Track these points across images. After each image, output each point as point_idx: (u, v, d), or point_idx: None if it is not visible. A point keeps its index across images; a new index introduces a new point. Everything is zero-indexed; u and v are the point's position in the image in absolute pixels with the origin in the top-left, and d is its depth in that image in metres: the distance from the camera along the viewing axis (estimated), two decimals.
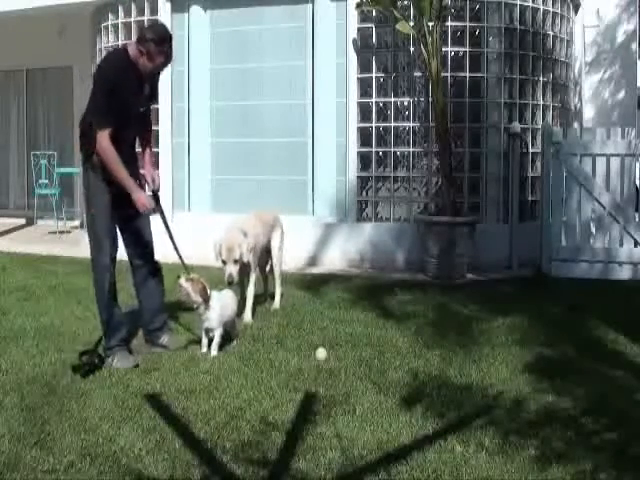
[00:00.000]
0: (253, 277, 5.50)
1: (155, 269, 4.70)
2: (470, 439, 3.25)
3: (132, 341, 4.72)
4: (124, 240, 4.56)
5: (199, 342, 4.65)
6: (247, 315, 5.38)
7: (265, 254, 5.83)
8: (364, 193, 8.19)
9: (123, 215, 4.45)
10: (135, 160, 4.59)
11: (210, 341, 4.59)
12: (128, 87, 4.28)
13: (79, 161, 12.06)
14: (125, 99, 4.26)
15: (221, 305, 4.66)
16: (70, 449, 3.13)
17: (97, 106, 4.24)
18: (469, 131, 8.03)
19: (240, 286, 5.47)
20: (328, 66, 8.21)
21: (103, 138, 4.19)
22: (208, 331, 4.60)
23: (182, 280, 4.58)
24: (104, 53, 9.41)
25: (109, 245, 4.40)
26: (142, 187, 4.57)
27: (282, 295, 5.98)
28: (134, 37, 8.94)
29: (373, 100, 8.09)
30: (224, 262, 5.13)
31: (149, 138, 4.74)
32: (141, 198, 4.36)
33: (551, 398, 3.80)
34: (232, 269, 5.12)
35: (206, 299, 4.56)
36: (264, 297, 6.01)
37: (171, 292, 5.76)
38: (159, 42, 4.24)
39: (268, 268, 6.00)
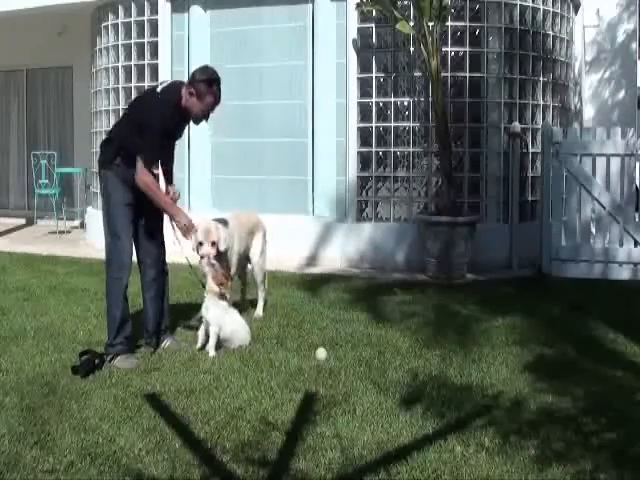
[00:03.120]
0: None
1: (163, 272, 4.70)
2: (470, 439, 3.25)
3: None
4: (135, 240, 4.56)
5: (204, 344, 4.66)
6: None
7: (244, 260, 5.51)
8: (364, 193, 8.19)
9: (136, 215, 4.49)
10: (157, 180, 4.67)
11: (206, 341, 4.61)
12: (172, 129, 4.49)
13: (79, 161, 12.05)
14: (165, 140, 4.46)
15: (229, 316, 4.70)
16: (70, 449, 3.13)
17: (149, 144, 4.34)
18: (469, 131, 8.03)
19: None
20: (328, 66, 8.21)
21: (146, 172, 4.31)
22: (206, 324, 4.62)
23: (204, 261, 4.68)
24: (104, 53, 9.44)
25: (129, 244, 4.44)
26: None
27: (266, 302, 5.70)
28: (135, 36, 9.00)
29: (373, 100, 8.09)
30: (201, 243, 4.81)
31: (171, 168, 4.79)
32: (182, 220, 4.49)
33: (551, 398, 3.80)
34: (209, 249, 4.81)
35: (223, 293, 4.64)
36: (243, 305, 5.64)
37: (179, 292, 5.78)
38: (209, 83, 4.41)
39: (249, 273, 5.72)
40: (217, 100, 4.49)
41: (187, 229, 4.50)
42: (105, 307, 4.52)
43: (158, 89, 4.52)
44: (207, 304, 4.66)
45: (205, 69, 4.55)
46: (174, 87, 4.53)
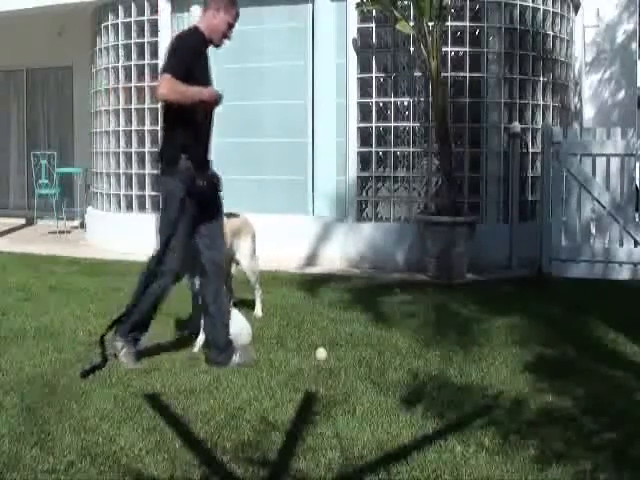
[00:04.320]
0: None
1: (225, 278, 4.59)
2: (470, 439, 3.25)
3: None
4: (201, 245, 4.37)
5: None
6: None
7: (228, 262, 5.26)
8: (364, 193, 8.19)
9: (201, 219, 4.34)
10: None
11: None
12: (205, 68, 4.36)
13: (79, 161, 12.04)
14: (203, 82, 4.29)
15: (233, 318, 4.63)
16: (70, 449, 3.13)
17: (176, 62, 4.17)
18: (469, 131, 8.03)
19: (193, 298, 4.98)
20: (328, 66, 8.21)
21: (173, 81, 4.08)
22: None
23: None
24: (104, 53, 9.44)
25: (182, 255, 4.29)
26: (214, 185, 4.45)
27: (263, 302, 5.62)
28: (135, 36, 9.00)
29: (373, 100, 8.09)
30: None
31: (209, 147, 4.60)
32: (211, 93, 4.28)
33: (551, 398, 3.80)
34: None
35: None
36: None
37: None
38: None
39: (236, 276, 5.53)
40: (238, 13, 4.55)
41: (216, 93, 4.32)
42: (132, 300, 4.32)
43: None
44: None
45: None
46: (189, 29, 4.45)
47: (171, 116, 4.28)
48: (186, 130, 4.23)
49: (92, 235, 9.73)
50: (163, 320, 5.35)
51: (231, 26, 4.47)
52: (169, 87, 4.10)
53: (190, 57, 4.24)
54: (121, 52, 9.19)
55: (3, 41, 11.29)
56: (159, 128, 4.50)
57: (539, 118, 8.43)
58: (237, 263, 5.47)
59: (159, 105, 4.45)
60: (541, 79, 8.48)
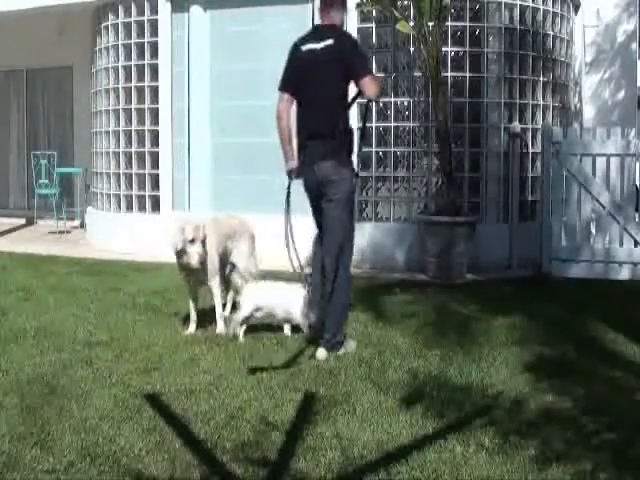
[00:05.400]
0: (214, 284, 5.06)
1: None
2: (470, 439, 3.25)
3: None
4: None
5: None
6: (219, 325, 5.08)
7: (223, 266, 5.27)
8: (364, 193, 8.19)
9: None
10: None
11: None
12: None
13: (79, 161, 12.02)
14: None
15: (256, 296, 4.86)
16: (70, 449, 3.13)
17: (366, 60, 4.79)
18: (469, 131, 8.04)
19: (191, 299, 5.11)
20: None
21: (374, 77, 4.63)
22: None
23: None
24: (104, 53, 9.44)
25: None
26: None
27: None
28: (135, 36, 8.99)
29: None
30: (192, 241, 4.78)
31: None
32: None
33: (551, 398, 3.80)
34: (195, 249, 4.79)
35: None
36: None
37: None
38: None
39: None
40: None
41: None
42: (340, 306, 4.61)
43: (328, 41, 4.75)
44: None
45: None
46: (342, 28, 4.85)
47: (347, 112, 4.86)
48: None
49: (92, 235, 9.73)
50: (163, 320, 5.37)
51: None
52: (378, 84, 4.64)
53: None
54: (121, 52, 9.20)
55: (3, 41, 11.28)
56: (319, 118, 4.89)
57: (539, 118, 8.43)
58: (233, 265, 5.41)
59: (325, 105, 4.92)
60: (541, 79, 8.48)
